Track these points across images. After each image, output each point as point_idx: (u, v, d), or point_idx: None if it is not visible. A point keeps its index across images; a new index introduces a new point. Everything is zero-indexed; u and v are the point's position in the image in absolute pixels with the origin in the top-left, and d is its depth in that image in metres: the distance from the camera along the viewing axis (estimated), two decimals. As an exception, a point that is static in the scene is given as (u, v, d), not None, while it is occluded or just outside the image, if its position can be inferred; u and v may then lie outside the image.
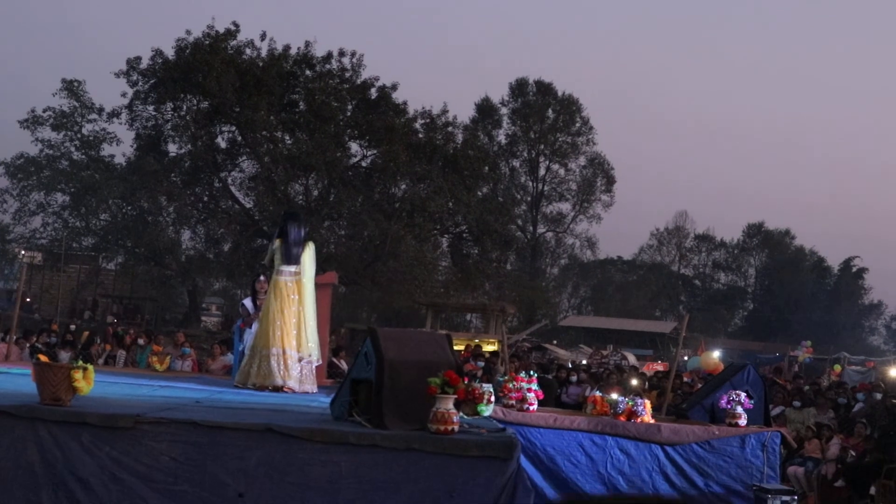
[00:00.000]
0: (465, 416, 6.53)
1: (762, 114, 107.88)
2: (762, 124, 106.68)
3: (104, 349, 15.55)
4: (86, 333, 19.99)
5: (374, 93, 33.33)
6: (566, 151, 55.95)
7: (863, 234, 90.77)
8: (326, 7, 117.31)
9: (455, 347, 8.91)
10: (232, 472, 5.92)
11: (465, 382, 6.50)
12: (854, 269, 65.52)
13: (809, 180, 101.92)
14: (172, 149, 33.47)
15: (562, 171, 56.70)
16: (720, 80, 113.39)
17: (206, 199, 34.13)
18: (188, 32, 31.69)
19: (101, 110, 33.49)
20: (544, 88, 55.73)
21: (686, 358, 26.73)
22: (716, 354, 23.74)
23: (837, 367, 30.10)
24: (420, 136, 33.30)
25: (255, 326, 10.59)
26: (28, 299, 34.64)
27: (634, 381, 15.36)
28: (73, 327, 23.46)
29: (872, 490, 11.41)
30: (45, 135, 32.96)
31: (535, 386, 9.19)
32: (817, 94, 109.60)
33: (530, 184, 57.05)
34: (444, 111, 34.02)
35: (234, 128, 32.94)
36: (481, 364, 15.79)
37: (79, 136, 33.53)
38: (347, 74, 33.20)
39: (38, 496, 5.82)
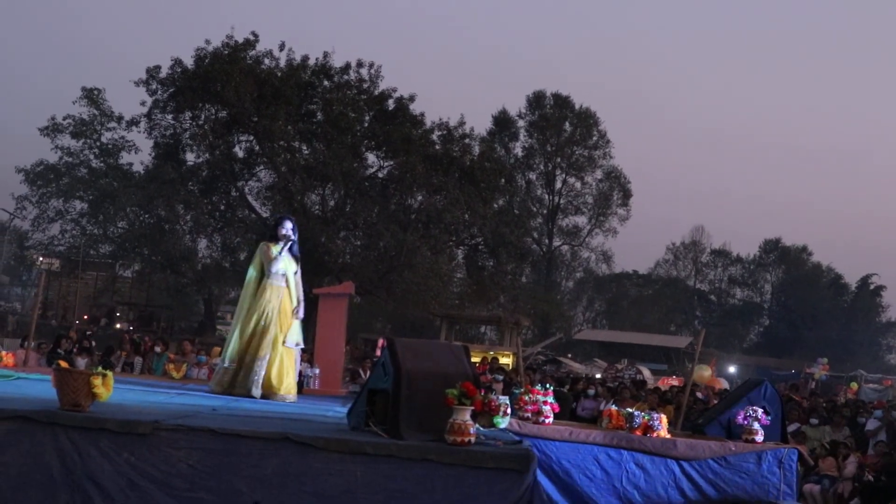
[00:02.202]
0: (482, 428, 6.53)
1: (782, 126, 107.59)
2: (781, 138, 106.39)
3: (121, 356, 15.61)
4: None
5: (391, 104, 33.41)
6: (583, 165, 55.95)
7: (882, 251, 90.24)
8: (345, 18, 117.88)
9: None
10: (248, 480, 5.94)
11: (482, 394, 6.50)
12: (872, 287, 65.20)
13: (828, 195, 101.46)
14: (190, 157, 33.66)
15: (578, 185, 56.73)
16: (739, 93, 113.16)
17: (222, 207, 34.26)
18: (207, 42, 31.89)
19: (120, 119, 33.75)
20: (561, 101, 55.76)
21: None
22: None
23: (854, 385, 29.97)
24: (437, 147, 33.33)
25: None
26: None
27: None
28: (89, 333, 23.59)
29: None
30: (64, 142, 33.27)
31: (550, 399, 9.16)
32: (838, 105, 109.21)
33: (546, 197, 57.06)
34: (461, 123, 34.13)
35: (251, 137, 33.07)
36: (500, 378, 15.68)
37: (98, 144, 33.77)
38: (365, 85, 33.30)
39: (56, 501, 5.85)
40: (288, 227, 10.09)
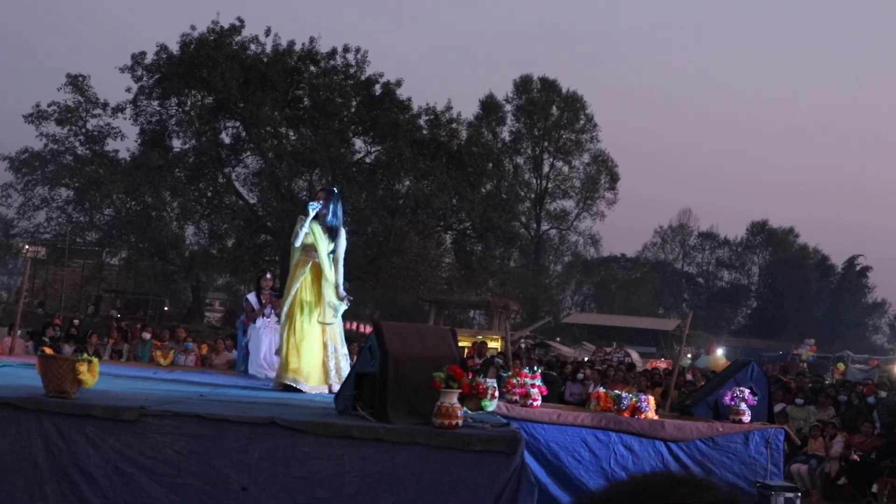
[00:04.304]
0: (469, 411, 6.52)
1: (768, 107, 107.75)
2: (768, 119, 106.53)
3: (109, 343, 15.54)
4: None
5: (378, 89, 33.34)
6: (570, 149, 55.95)
7: (868, 232, 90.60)
8: (331, 3, 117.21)
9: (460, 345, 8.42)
10: (236, 466, 5.92)
11: (470, 377, 6.49)
12: (858, 268, 65.46)
13: (814, 176, 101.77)
14: (177, 144, 33.57)
15: (566, 169, 56.71)
16: (725, 74, 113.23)
17: (209, 194, 34.16)
18: (193, 28, 31.77)
19: (105, 105, 33.49)
20: (548, 85, 55.73)
21: (689, 356, 26.88)
22: (721, 353, 24.20)
23: (841, 366, 30.10)
24: (424, 132, 33.30)
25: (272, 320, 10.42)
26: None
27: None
28: (76, 322, 23.50)
29: (874, 488, 11.42)
30: (49, 129, 32.98)
31: (538, 382, 9.17)
32: (826, 85, 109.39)
33: (534, 181, 57.02)
34: (449, 108, 34.09)
35: (238, 123, 32.98)
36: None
37: (83, 131, 33.51)
38: (352, 70, 33.23)
39: (42, 488, 5.82)
40: (319, 197, 9.18)
